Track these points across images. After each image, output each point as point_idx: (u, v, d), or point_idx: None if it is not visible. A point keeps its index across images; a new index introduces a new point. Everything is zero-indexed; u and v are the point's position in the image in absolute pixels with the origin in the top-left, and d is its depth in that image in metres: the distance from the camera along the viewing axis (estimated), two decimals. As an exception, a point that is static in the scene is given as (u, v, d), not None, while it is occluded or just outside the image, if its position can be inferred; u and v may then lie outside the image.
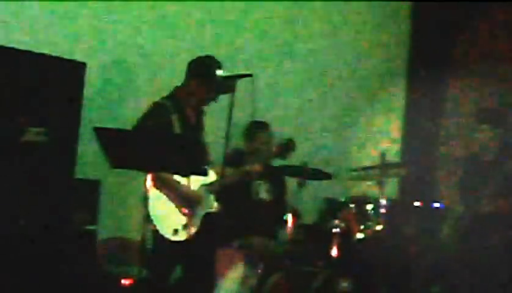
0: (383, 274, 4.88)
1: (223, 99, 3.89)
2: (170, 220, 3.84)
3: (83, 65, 4.10)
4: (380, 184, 5.01)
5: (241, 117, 4.41)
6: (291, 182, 5.08)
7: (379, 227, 4.88)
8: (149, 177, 3.60)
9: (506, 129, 5.00)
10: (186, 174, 3.81)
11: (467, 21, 6.70)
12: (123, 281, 4.27)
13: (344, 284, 4.62)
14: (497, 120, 5.03)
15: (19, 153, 3.79)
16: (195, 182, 3.96)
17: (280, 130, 5.21)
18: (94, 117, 4.38)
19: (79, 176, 4.17)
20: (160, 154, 3.32)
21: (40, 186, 3.88)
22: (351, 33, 6.50)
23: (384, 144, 6.54)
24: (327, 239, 4.75)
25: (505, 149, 4.93)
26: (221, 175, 3.92)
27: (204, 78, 4.02)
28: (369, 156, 6.07)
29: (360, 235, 4.90)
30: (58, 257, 3.91)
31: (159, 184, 3.84)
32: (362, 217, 4.95)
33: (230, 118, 3.67)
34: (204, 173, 3.53)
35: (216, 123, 4.21)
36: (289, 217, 4.58)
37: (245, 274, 4.42)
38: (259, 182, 4.94)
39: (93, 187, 4.38)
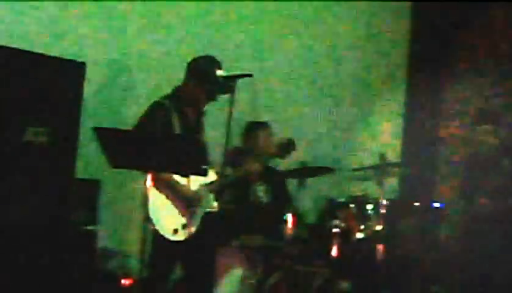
0: (383, 274, 4.88)
1: (223, 99, 3.90)
2: (169, 220, 3.83)
3: (83, 65, 4.09)
4: (380, 184, 5.02)
5: (241, 117, 4.40)
6: (291, 182, 5.08)
7: (379, 227, 4.88)
8: (149, 177, 3.59)
9: (506, 129, 5.00)
10: (185, 174, 3.81)
11: (467, 21, 6.70)
12: (123, 281, 4.28)
13: (344, 284, 4.62)
14: (496, 120, 5.04)
15: (19, 153, 3.79)
16: (194, 182, 3.96)
17: (280, 130, 5.21)
18: (94, 117, 4.38)
19: (79, 176, 4.17)
20: (160, 154, 3.32)
21: (40, 186, 3.87)
22: (351, 34, 6.50)
23: (384, 145, 6.54)
24: (327, 239, 4.75)
25: (505, 149, 4.94)
26: (221, 175, 3.92)
27: (204, 78, 4.01)
28: (369, 156, 6.07)
29: (360, 235, 4.90)
30: (58, 257, 3.90)
31: (159, 184, 3.83)
32: (362, 216, 4.96)
33: (229, 118, 3.67)
34: (204, 173, 3.52)
35: (216, 123, 4.21)
36: (289, 217, 4.58)
37: (245, 274, 4.42)
38: (258, 183, 4.93)
39: (93, 187, 4.38)
